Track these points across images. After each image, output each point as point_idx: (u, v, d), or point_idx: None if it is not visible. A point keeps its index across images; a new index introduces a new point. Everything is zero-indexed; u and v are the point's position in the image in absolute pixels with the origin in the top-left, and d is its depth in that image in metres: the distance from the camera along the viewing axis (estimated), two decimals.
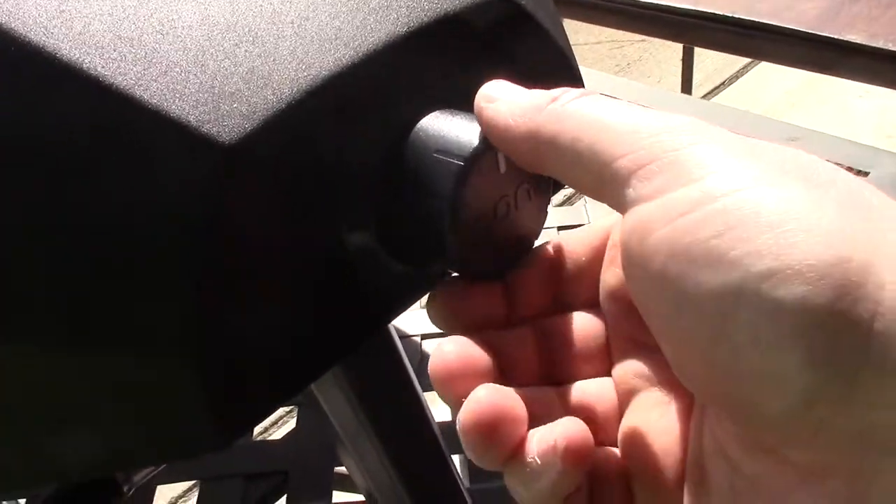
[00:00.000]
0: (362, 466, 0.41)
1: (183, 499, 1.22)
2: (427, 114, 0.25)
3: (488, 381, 0.21)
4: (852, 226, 0.17)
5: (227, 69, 0.23)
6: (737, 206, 0.17)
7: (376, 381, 0.39)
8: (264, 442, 0.61)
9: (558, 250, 0.25)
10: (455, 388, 0.21)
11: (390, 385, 0.40)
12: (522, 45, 0.29)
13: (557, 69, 0.31)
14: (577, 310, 0.25)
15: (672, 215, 0.18)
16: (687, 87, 1.55)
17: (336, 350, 0.27)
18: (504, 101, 0.22)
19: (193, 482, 1.17)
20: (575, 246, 0.25)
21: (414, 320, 0.68)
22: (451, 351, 0.22)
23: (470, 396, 0.20)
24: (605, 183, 0.20)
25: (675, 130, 0.19)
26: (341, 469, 0.57)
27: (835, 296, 0.16)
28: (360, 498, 0.55)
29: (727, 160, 0.18)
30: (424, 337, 0.67)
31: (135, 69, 0.23)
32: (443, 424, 0.59)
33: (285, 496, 0.56)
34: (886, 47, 0.74)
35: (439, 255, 0.24)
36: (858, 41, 0.76)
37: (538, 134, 0.21)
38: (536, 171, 0.22)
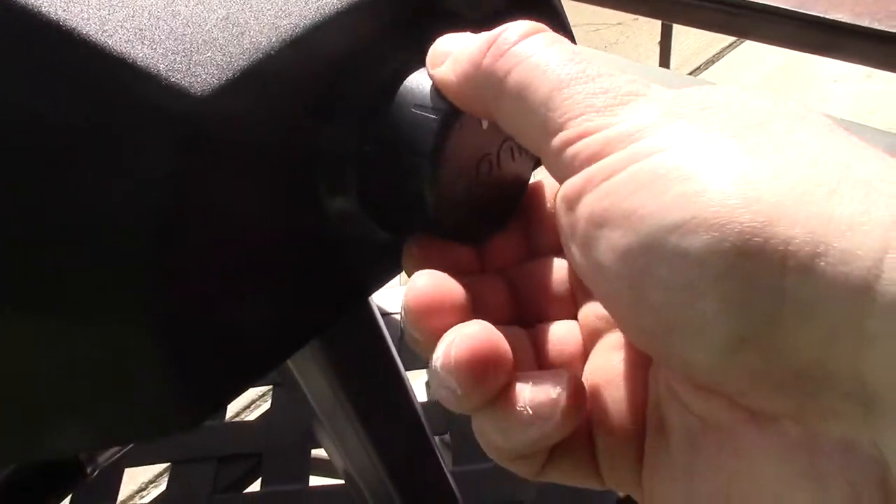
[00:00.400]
0: (341, 447, 0.40)
1: (154, 483, 1.20)
2: (414, 70, 0.23)
3: (464, 318, 0.21)
4: (767, 167, 0.16)
5: (200, 16, 0.22)
6: (657, 164, 0.17)
7: (356, 357, 0.38)
8: (238, 423, 0.59)
9: (536, 191, 0.25)
10: (431, 323, 0.20)
11: (371, 362, 0.39)
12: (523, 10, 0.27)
13: None
14: (548, 254, 0.24)
15: (596, 181, 0.18)
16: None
17: (314, 323, 0.26)
18: (451, 57, 0.22)
19: (165, 466, 1.16)
20: (547, 190, 0.25)
21: (394, 298, 0.66)
22: (427, 283, 0.21)
23: (461, 330, 0.20)
24: (542, 153, 0.20)
25: (612, 97, 0.19)
26: (318, 452, 0.56)
27: (741, 239, 0.16)
28: (339, 482, 0.53)
29: (659, 122, 0.18)
30: None
31: (98, 14, 0.21)
32: (425, 404, 0.58)
33: (260, 479, 0.55)
34: (872, 26, 0.73)
35: (420, 218, 0.23)
36: (844, 20, 0.75)
37: (481, 85, 0.21)
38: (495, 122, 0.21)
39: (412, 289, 0.21)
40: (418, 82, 0.23)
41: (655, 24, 1.67)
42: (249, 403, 1.18)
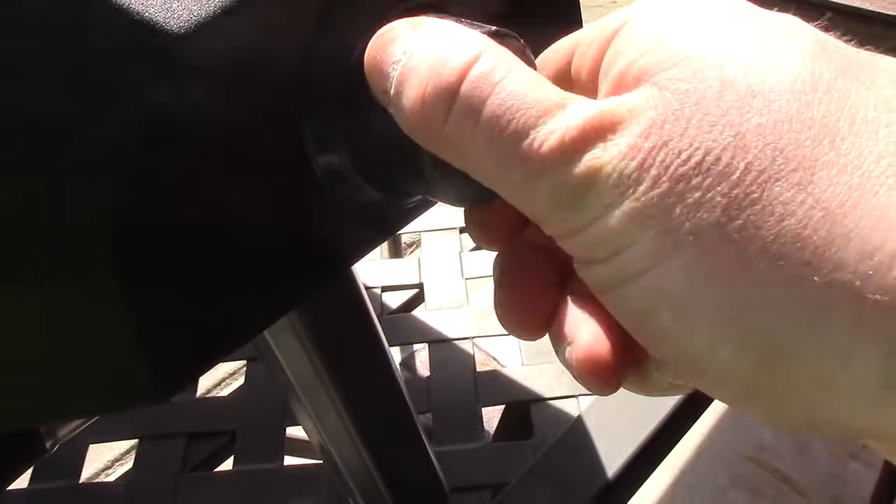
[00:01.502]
0: (320, 425, 0.38)
1: (119, 462, 1.17)
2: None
3: (553, 285, 0.20)
4: (744, 307, 0.16)
5: None
6: (642, 292, 0.17)
7: (338, 330, 0.36)
8: (209, 399, 0.57)
9: None
10: (530, 326, 0.20)
11: (353, 335, 0.37)
12: None
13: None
14: None
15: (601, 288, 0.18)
16: None
17: (293, 293, 0.24)
18: (392, 92, 0.19)
19: (131, 443, 1.13)
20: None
21: (374, 271, 0.65)
22: (509, 293, 0.21)
23: (574, 352, 0.19)
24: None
25: (569, 188, 0.17)
26: (293, 432, 0.54)
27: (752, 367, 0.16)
28: (315, 461, 0.52)
29: (625, 231, 0.16)
30: (385, 289, 0.64)
31: None
32: (409, 381, 0.57)
33: (232, 458, 0.53)
34: (873, 10, 0.72)
35: (415, 175, 0.21)
36: (844, 2, 0.74)
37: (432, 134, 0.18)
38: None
39: (498, 303, 0.21)
40: None
41: None
42: (220, 381, 1.16)
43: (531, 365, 0.56)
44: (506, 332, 0.59)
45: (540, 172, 0.17)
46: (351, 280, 0.36)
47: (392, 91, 0.19)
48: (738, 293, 0.15)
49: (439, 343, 0.58)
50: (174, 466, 0.52)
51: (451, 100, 0.17)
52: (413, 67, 0.18)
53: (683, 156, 0.15)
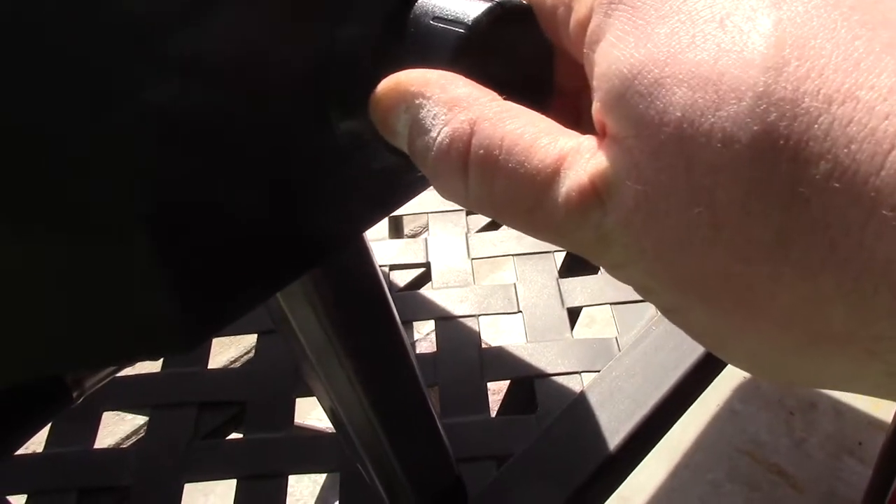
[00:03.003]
0: (332, 391, 0.39)
1: (122, 444, 1.19)
2: None
3: None
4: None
5: None
6: (676, 321, 0.18)
7: (352, 301, 0.37)
8: (220, 370, 0.58)
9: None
10: None
11: (366, 307, 0.38)
12: None
13: None
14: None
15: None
16: None
17: (311, 252, 0.25)
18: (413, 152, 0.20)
19: (140, 423, 1.15)
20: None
21: (383, 250, 0.66)
22: None
23: None
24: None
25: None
26: (300, 420, 0.55)
27: None
28: (324, 429, 0.53)
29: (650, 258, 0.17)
30: (393, 268, 0.65)
31: None
32: (416, 356, 0.58)
33: (243, 428, 0.53)
34: None
35: None
36: None
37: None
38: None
39: None
40: None
41: None
42: (228, 364, 1.17)
43: (535, 342, 0.57)
44: (511, 311, 0.59)
45: (558, 238, 0.18)
46: (365, 253, 0.37)
47: (409, 154, 0.20)
48: (749, 338, 0.16)
49: (446, 320, 0.59)
50: (186, 434, 0.53)
51: (464, 179, 0.19)
52: (417, 150, 0.20)
53: (670, 233, 0.16)
